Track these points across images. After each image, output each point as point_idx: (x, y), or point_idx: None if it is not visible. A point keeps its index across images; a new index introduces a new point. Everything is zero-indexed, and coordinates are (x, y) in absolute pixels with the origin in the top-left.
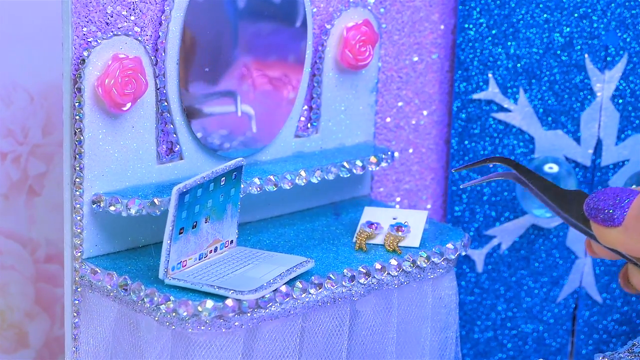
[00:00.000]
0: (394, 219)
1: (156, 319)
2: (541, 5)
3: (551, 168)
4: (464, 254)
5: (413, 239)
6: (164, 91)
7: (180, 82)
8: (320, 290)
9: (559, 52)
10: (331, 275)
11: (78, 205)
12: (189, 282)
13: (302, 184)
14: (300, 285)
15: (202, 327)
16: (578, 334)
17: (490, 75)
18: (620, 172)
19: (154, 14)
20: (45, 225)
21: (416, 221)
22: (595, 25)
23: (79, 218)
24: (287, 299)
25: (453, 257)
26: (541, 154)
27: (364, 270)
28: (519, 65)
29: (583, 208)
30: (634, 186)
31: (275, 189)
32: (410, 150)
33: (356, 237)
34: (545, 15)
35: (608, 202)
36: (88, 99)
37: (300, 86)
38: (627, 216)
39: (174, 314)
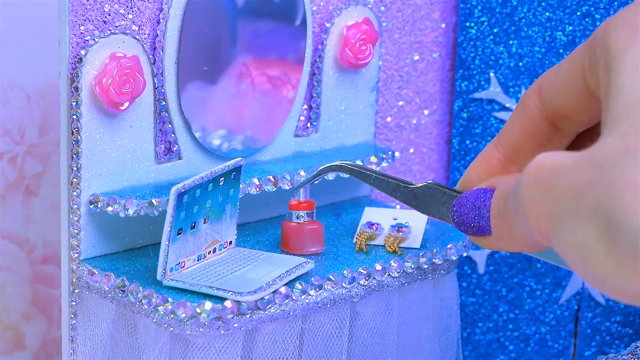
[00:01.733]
0: (394, 219)
1: (154, 320)
2: (543, 4)
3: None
4: (465, 255)
5: (414, 240)
6: (162, 90)
7: (178, 81)
8: (320, 291)
9: (561, 50)
10: (331, 277)
11: (75, 206)
12: (188, 284)
13: None
14: (300, 287)
15: (201, 329)
16: (581, 336)
17: (492, 74)
18: None
19: (152, 12)
20: (42, 226)
21: (417, 222)
22: (597, 24)
23: (76, 219)
24: (287, 301)
25: (454, 258)
26: None
27: (365, 272)
28: (521, 64)
29: (451, 221)
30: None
31: (274, 189)
32: (411, 150)
33: (356, 238)
34: (547, 14)
35: (470, 215)
36: (85, 98)
37: (299, 85)
38: (492, 223)
39: (172, 315)
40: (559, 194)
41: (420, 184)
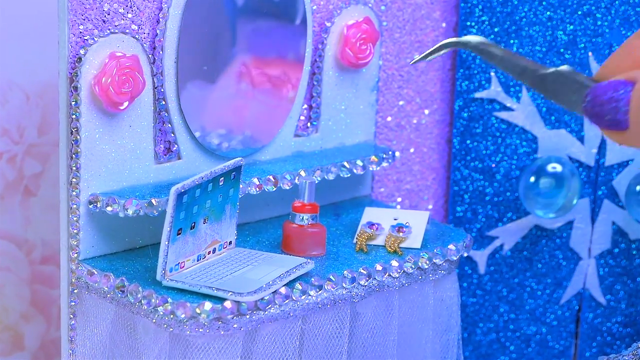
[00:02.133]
0: (395, 219)
1: (154, 321)
2: (544, 3)
3: (554, 168)
4: (466, 255)
5: (414, 240)
6: (162, 90)
7: (178, 81)
8: (320, 292)
9: (562, 50)
10: (331, 277)
11: (74, 206)
12: (187, 284)
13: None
14: (300, 287)
15: (200, 330)
16: (582, 337)
17: (492, 73)
18: (625, 172)
19: (152, 12)
20: (41, 226)
21: (417, 222)
22: (599, 23)
23: (75, 219)
24: (287, 301)
25: (455, 258)
26: (544, 154)
27: (365, 272)
28: None
29: (583, 112)
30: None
31: (274, 189)
32: (412, 150)
33: (357, 238)
34: (548, 13)
35: (606, 107)
36: (85, 98)
37: (299, 85)
38: (630, 118)
39: (171, 316)
40: None
41: (552, 69)
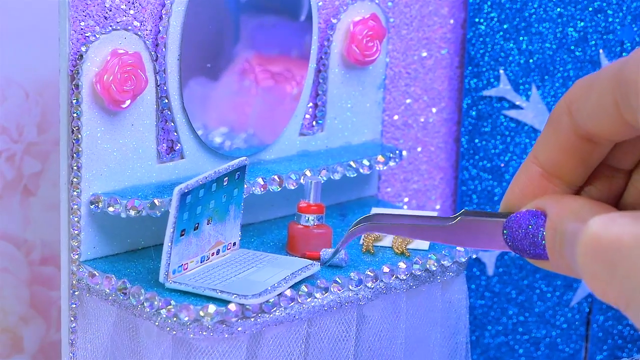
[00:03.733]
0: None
1: (156, 324)
2: None
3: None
4: (474, 256)
5: (422, 242)
6: (165, 88)
7: (181, 78)
8: (326, 294)
9: (572, 47)
10: (337, 279)
11: (75, 206)
12: (191, 286)
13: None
14: (306, 289)
15: (204, 333)
16: (592, 340)
17: (501, 71)
18: None
19: (154, 8)
20: (40, 226)
21: None
22: (610, 19)
23: (76, 219)
24: (292, 304)
25: (463, 260)
26: None
27: (372, 274)
28: (531, 61)
29: (506, 247)
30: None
31: (279, 189)
32: (419, 149)
33: (363, 240)
34: (558, 9)
35: (525, 243)
36: (86, 96)
37: (304, 82)
38: (548, 254)
39: (174, 318)
40: (627, 274)
41: (455, 219)
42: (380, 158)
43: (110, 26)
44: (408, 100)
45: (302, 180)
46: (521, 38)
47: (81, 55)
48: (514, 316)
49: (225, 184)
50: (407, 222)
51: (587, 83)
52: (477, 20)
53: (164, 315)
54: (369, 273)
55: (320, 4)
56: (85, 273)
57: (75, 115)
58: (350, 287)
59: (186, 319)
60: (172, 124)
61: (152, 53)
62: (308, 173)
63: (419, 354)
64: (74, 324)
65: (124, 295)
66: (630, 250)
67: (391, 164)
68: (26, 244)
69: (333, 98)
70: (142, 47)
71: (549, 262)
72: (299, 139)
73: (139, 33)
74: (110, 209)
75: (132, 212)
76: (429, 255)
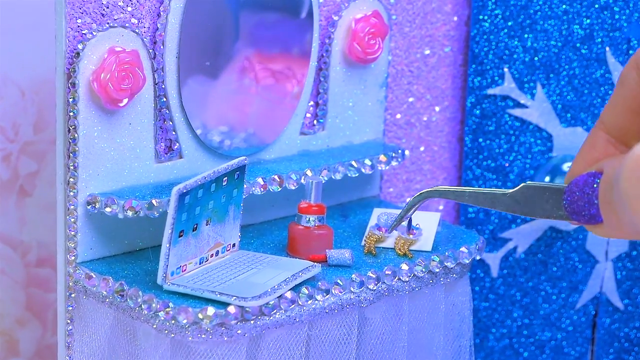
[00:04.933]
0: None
1: (154, 326)
2: None
3: (570, 167)
4: (478, 258)
5: (425, 243)
6: (163, 86)
7: (179, 77)
8: (327, 296)
9: (578, 45)
10: (339, 281)
11: (72, 207)
12: (189, 288)
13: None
14: (307, 291)
15: (203, 336)
16: (598, 342)
17: (506, 69)
18: None
19: (152, 5)
20: (36, 227)
21: (428, 223)
22: (616, 16)
23: (72, 220)
24: (293, 306)
25: (467, 261)
26: (559, 153)
27: (374, 276)
28: (536, 58)
29: (563, 215)
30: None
31: (280, 189)
32: (422, 149)
33: (365, 241)
34: (564, 6)
35: (580, 203)
36: (83, 95)
37: (305, 81)
38: (601, 210)
39: (173, 321)
40: None
41: (518, 187)
42: (382, 158)
43: (108, 23)
44: (411, 99)
45: (302, 181)
46: (526, 35)
47: (78, 53)
48: (519, 319)
49: (224, 184)
50: (469, 190)
51: None
52: (481, 17)
53: (162, 318)
54: (371, 275)
55: (321, 0)
56: (82, 275)
57: (71, 114)
58: (352, 289)
59: (185, 321)
60: (171, 123)
61: (150, 51)
62: (309, 173)
63: (422, 357)
64: (70, 327)
65: (121, 298)
66: None
67: (393, 163)
68: (22, 245)
69: (334, 97)
70: (139, 45)
71: (602, 227)
72: (299, 138)
73: (137, 30)
74: (108, 209)
75: (130, 213)
76: (432, 257)
